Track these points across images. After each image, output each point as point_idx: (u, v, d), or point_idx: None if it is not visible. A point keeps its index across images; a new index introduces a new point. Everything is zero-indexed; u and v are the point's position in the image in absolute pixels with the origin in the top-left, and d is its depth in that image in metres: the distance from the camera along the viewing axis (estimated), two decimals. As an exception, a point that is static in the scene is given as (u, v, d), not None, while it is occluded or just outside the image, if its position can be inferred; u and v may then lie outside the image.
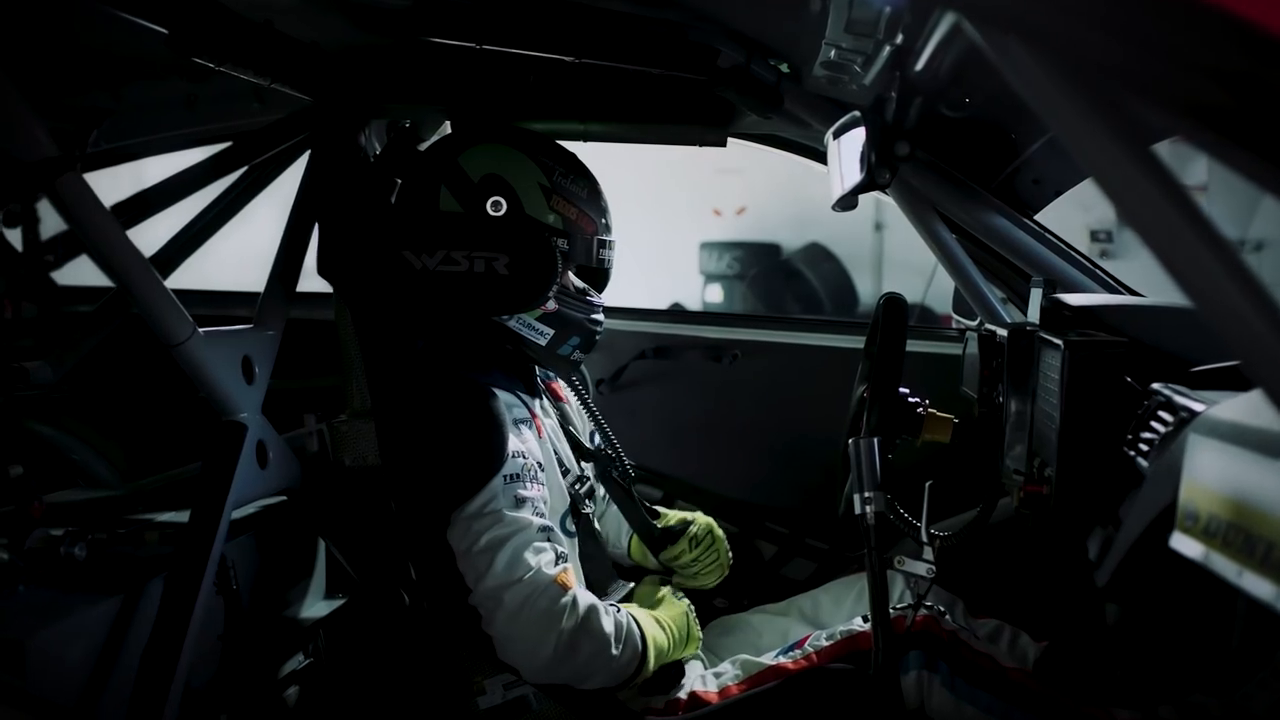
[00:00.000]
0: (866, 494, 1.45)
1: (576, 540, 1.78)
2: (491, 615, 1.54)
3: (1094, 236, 6.24)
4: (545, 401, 1.89)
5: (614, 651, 1.56)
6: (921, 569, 1.52)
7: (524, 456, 1.62)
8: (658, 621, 1.69)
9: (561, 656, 1.52)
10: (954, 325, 2.25)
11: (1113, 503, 1.24)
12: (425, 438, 1.67)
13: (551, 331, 1.76)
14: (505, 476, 1.57)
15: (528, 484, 1.60)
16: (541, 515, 1.59)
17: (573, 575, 1.58)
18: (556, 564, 1.56)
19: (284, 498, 1.85)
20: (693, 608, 1.79)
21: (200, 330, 1.60)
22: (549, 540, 1.58)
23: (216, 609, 1.70)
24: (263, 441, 1.72)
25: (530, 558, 1.54)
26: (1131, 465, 1.19)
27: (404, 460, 1.73)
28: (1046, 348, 1.40)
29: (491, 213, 1.71)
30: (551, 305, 1.75)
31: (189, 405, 1.74)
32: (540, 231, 1.72)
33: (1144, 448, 1.17)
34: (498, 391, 1.67)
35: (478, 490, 1.57)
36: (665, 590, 1.79)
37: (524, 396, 1.76)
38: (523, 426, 1.68)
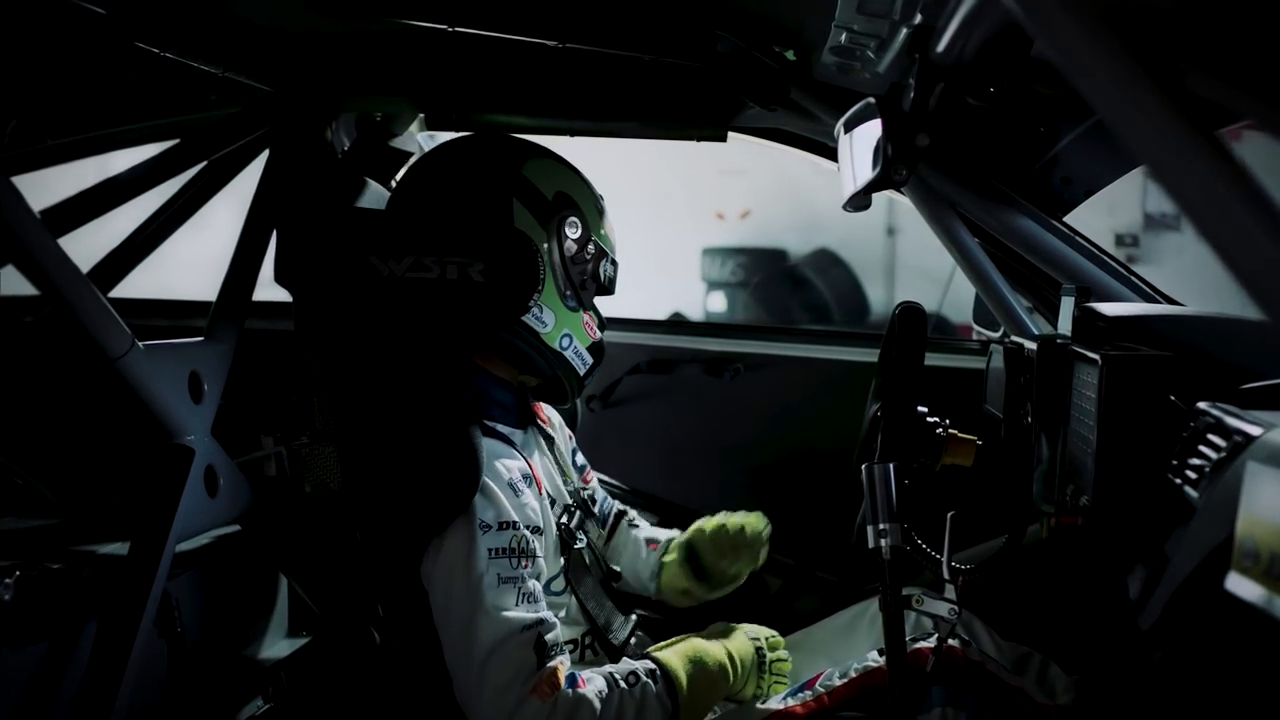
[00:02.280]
0: (881, 526, 1.42)
1: (569, 594, 1.74)
2: (465, 699, 1.52)
3: (1119, 241, 6.25)
4: (536, 431, 1.86)
5: None
6: (943, 609, 1.47)
7: (517, 528, 1.57)
8: (714, 655, 1.65)
9: None
10: (974, 337, 2.20)
11: (1157, 537, 1.21)
12: (399, 461, 1.63)
13: (591, 360, 1.80)
14: (491, 550, 1.53)
15: (519, 560, 1.56)
16: (531, 600, 1.54)
17: (561, 669, 1.52)
18: (540, 666, 1.50)
19: (237, 527, 1.80)
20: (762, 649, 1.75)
21: (141, 344, 1.55)
22: (538, 633, 1.52)
23: (159, 653, 1.65)
24: (212, 466, 1.68)
25: (511, 662, 1.49)
26: (1178, 495, 1.15)
27: (371, 485, 1.69)
28: (1081, 362, 1.37)
29: (569, 233, 1.72)
30: (598, 333, 1.79)
31: (136, 424, 1.69)
32: (603, 254, 1.78)
33: (1192, 475, 1.13)
34: (497, 442, 1.64)
35: (453, 521, 1.53)
36: (740, 629, 1.76)
37: (518, 432, 1.74)
38: (523, 486, 1.63)
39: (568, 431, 2.00)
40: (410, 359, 1.74)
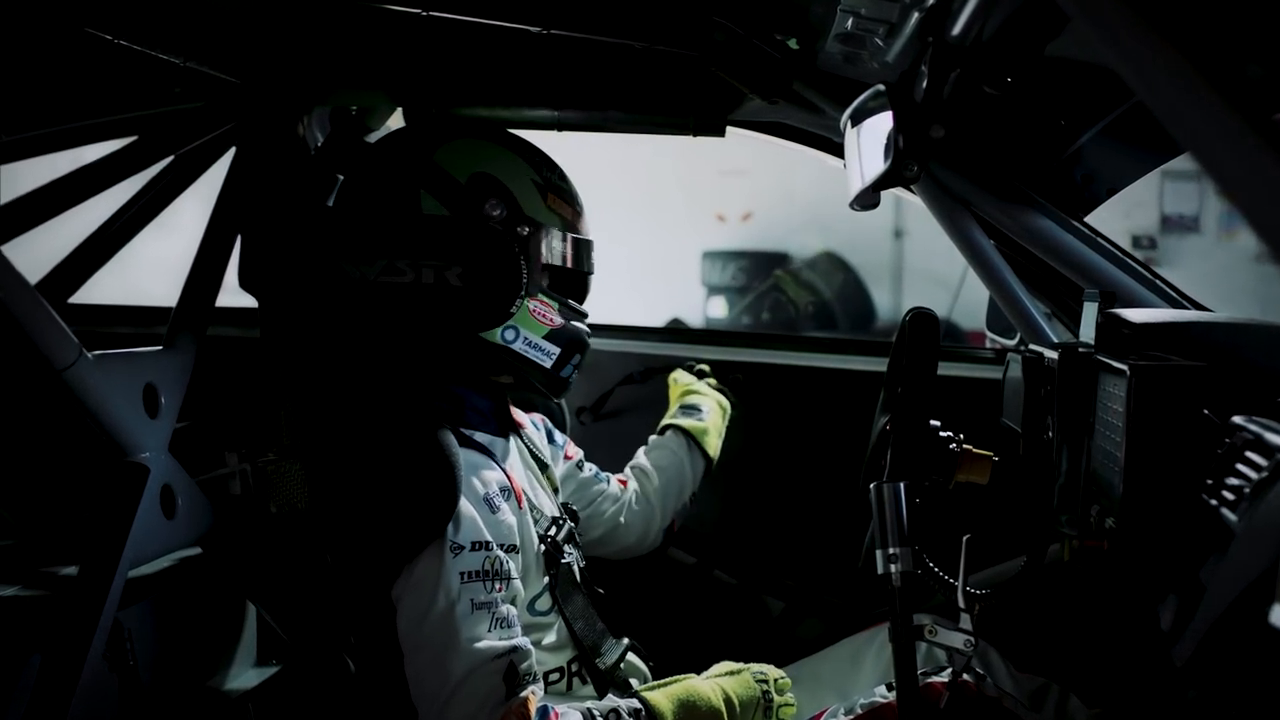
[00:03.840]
0: (891, 550, 1.40)
1: (555, 613, 1.71)
2: None
3: (1135, 243, 6.26)
4: (519, 440, 1.83)
5: None
6: (958, 640, 1.44)
7: (490, 548, 1.54)
8: (707, 697, 1.60)
9: None
10: (987, 344, 2.20)
11: (1190, 564, 1.18)
12: (370, 480, 1.60)
13: (558, 350, 1.73)
14: (464, 575, 1.50)
15: (493, 583, 1.53)
16: (504, 625, 1.52)
17: (531, 700, 1.49)
18: (509, 695, 1.47)
19: (198, 550, 1.77)
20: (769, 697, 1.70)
21: (90, 354, 1.52)
22: (509, 660, 1.50)
23: (110, 688, 1.61)
24: (169, 486, 1.65)
25: (478, 692, 1.46)
26: (1214, 518, 1.12)
27: (340, 505, 1.65)
28: (1107, 373, 1.34)
29: (490, 214, 1.66)
30: (559, 320, 1.72)
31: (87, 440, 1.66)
32: (542, 234, 1.70)
33: (1229, 496, 1.10)
34: (475, 452, 1.62)
35: (422, 551, 1.50)
36: (746, 670, 1.71)
37: (499, 441, 1.72)
38: (501, 501, 1.61)
39: (560, 436, 2.00)
40: (382, 369, 1.71)
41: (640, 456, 2.17)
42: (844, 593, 2.34)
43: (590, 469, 2.05)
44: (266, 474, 1.73)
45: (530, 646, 1.54)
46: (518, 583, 1.58)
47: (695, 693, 1.60)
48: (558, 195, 1.73)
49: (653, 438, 2.19)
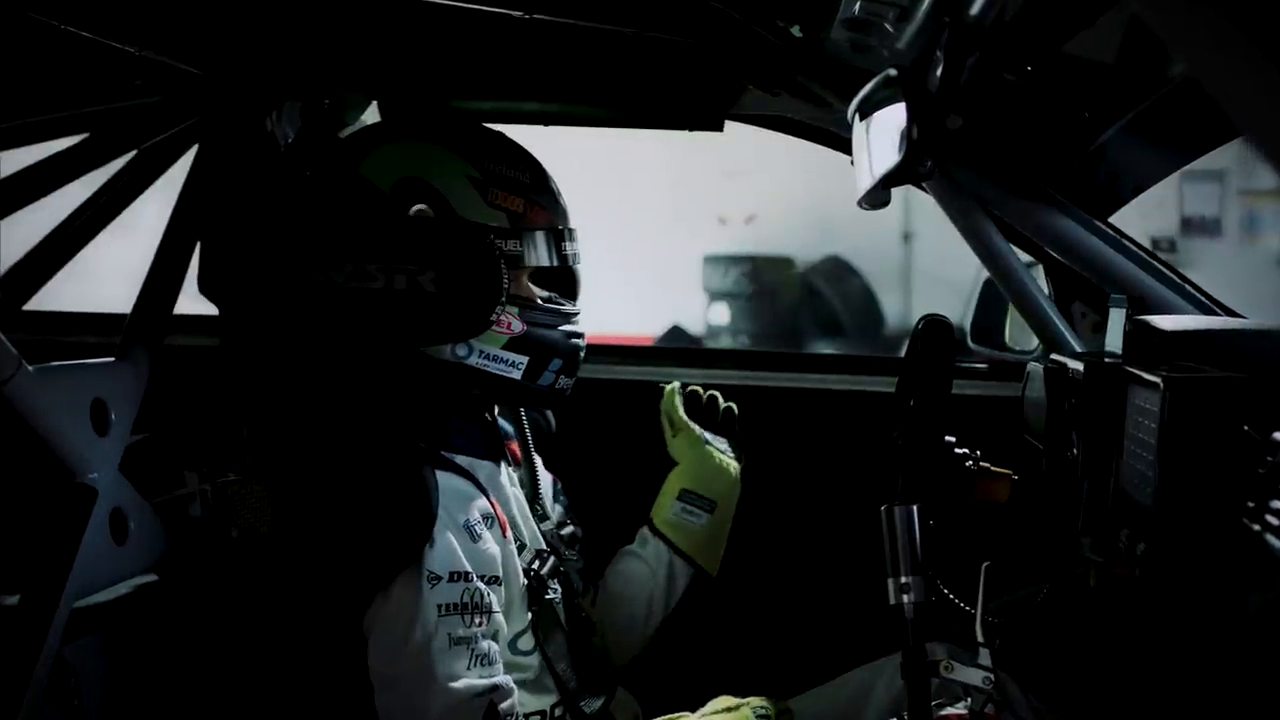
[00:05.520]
0: (903, 579, 1.39)
1: (537, 653, 1.69)
2: None
3: (1154, 245, 6.27)
4: (509, 467, 1.80)
5: None
6: (976, 677, 1.41)
7: (470, 579, 1.52)
8: None
9: None
10: (974, 358, 2.22)
11: (1232, 594, 1.18)
12: (338, 502, 1.57)
13: (525, 359, 1.67)
14: (441, 607, 1.48)
15: (473, 617, 1.51)
16: (485, 663, 1.50)
17: None
18: None
19: (153, 577, 1.73)
20: None
21: (32, 366, 1.50)
22: (490, 700, 1.49)
23: None
24: (120, 509, 1.63)
25: None
26: (1257, 543, 1.10)
27: (306, 529, 1.62)
28: (1137, 385, 1.33)
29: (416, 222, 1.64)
30: (518, 326, 1.66)
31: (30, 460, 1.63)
32: (480, 236, 1.63)
33: (1274, 520, 1.09)
34: (455, 476, 1.58)
35: (395, 579, 1.48)
36: (746, 705, 1.67)
37: (484, 464, 1.69)
38: (483, 528, 1.58)
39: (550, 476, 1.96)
40: (350, 381, 1.69)
41: (608, 571, 1.98)
42: (850, 622, 2.25)
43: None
44: (228, 495, 1.72)
45: (512, 685, 1.52)
46: (499, 617, 1.55)
47: None
48: (504, 188, 1.67)
49: (625, 552, 1.96)
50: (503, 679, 1.50)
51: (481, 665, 1.48)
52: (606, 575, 1.96)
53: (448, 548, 1.50)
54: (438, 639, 1.46)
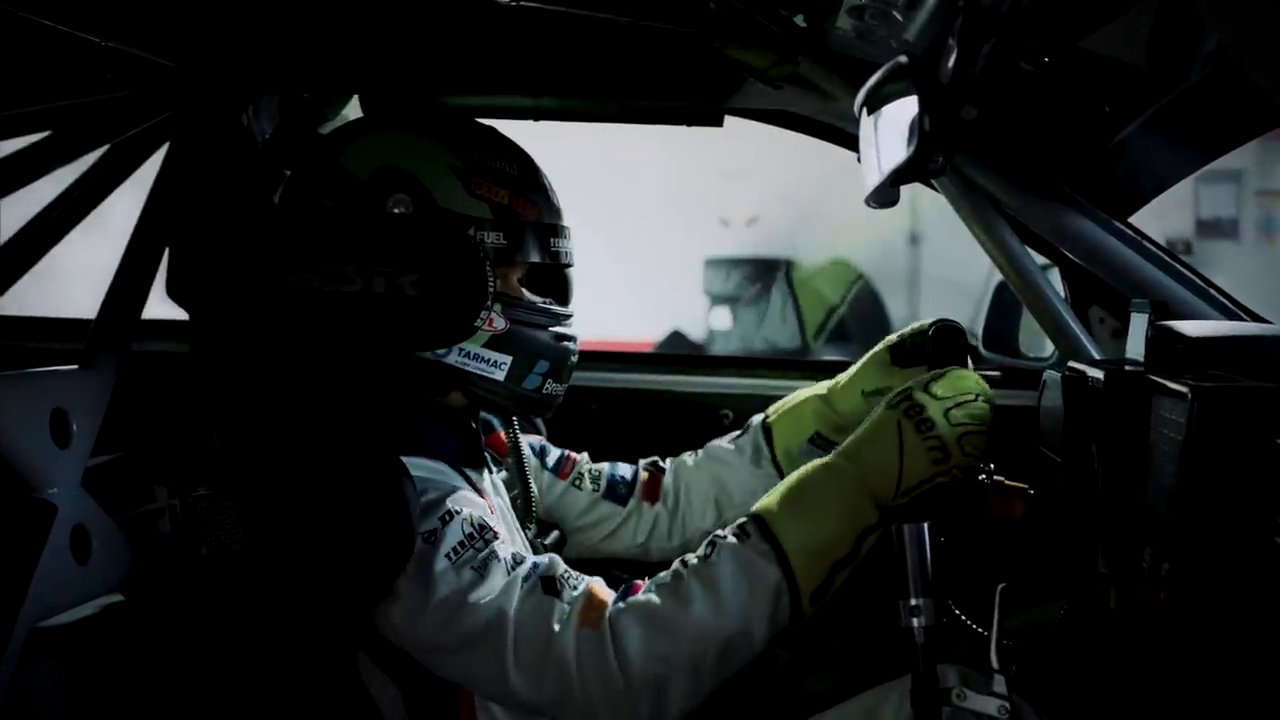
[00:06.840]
0: (914, 601, 1.39)
1: None
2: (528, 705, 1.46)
3: (1169, 247, 6.32)
4: (494, 475, 1.79)
5: (712, 624, 1.43)
6: (992, 706, 1.40)
7: (461, 514, 1.51)
8: None
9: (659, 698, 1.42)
10: (986, 366, 2.20)
11: (1263, 617, 1.18)
12: (313, 518, 1.55)
13: (509, 359, 1.65)
14: (450, 555, 1.47)
15: (481, 540, 1.50)
16: (514, 563, 1.49)
17: (596, 588, 1.47)
18: (563, 599, 1.45)
19: (118, 597, 1.72)
20: None
21: None
22: (537, 577, 1.47)
23: None
24: (82, 525, 1.61)
25: (529, 627, 1.43)
26: None
27: (279, 547, 1.59)
28: (1161, 395, 1.31)
29: (395, 213, 1.62)
30: (500, 324, 1.63)
31: None
32: (462, 227, 1.62)
33: None
34: (426, 460, 1.57)
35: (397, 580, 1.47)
36: None
37: (468, 472, 1.67)
38: (466, 495, 1.58)
39: (554, 454, 1.98)
40: (325, 390, 1.67)
41: (695, 462, 1.98)
42: (857, 642, 2.31)
43: (593, 485, 1.97)
44: (198, 511, 1.68)
45: (547, 559, 1.52)
46: (503, 533, 1.54)
47: None
48: (489, 179, 1.65)
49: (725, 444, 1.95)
50: (537, 558, 1.51)
51: (513, 564, 1.48)
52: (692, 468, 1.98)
53: (424, 507, 1.50)
54: (463, 579, 1.45)
